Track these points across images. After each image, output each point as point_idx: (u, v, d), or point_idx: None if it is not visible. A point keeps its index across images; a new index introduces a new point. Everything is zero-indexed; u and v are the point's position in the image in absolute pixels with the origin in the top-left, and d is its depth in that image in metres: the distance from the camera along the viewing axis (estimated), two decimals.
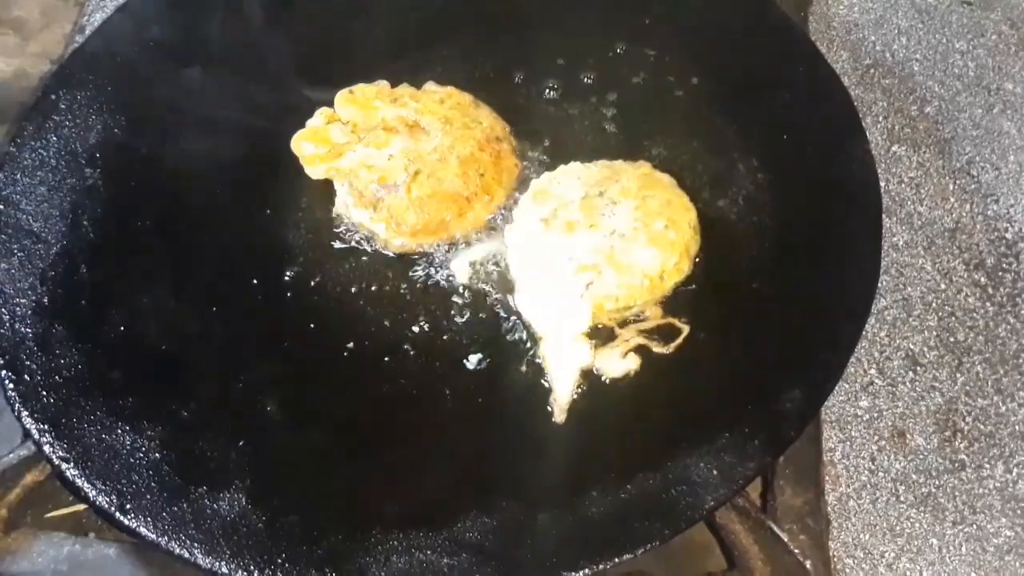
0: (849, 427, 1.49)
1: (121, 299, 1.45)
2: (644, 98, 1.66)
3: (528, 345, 1.42)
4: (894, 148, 1.75)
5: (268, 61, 1.67)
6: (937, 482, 1.45)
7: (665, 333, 1.41)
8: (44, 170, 1.53)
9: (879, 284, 1.42)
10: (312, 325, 1.46)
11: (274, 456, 1.34)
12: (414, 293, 1.48)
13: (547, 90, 1.66)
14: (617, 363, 1.39)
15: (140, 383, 1.39)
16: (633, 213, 1.44)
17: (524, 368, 1.41)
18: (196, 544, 1.24)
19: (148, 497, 1.27)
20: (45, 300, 1.43)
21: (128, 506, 1.26)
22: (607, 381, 1.39)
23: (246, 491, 1.29)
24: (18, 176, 1.52)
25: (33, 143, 1.55)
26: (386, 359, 1.42)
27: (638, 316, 1.43)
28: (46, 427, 1.31)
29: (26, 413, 1.32)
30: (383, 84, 1.61)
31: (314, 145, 1.55)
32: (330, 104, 1.59)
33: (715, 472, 1.26)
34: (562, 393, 1.37)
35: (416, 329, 1.44)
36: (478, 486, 1.30)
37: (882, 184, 1.51)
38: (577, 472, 1.30)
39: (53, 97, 1.60)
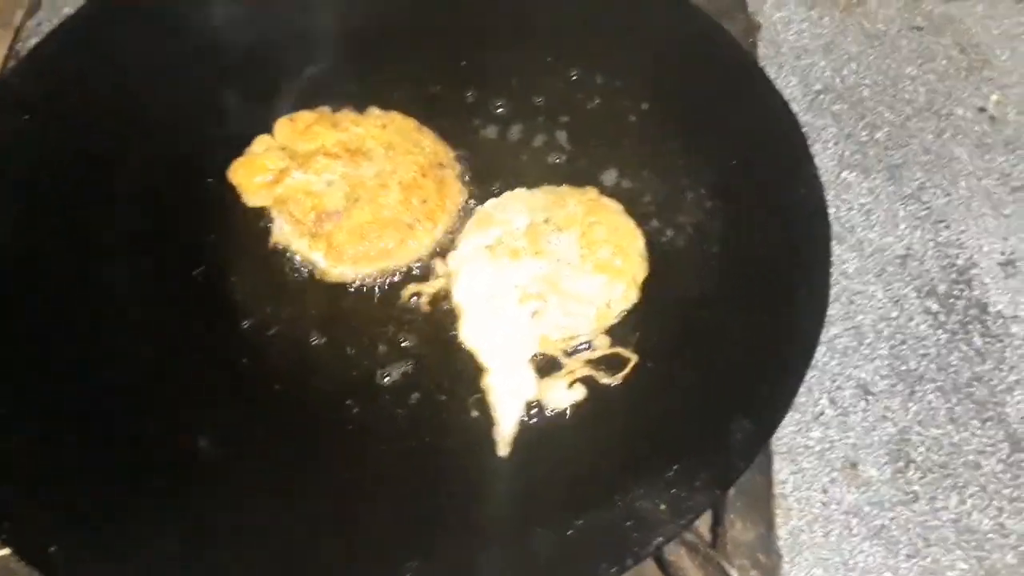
0: (800, 458, 1.46)
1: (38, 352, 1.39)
2: (595, 122, 1.63)
3: (473, 376, 1.38)
4: (844, 174, 1.74)
5: (204, 87, 1.61)
6: (890, 514, 1.43)
7: (612, 363, 1.38)
8: None
9: (829, 312, 1.39)
10: (245, 360, 1.41)
11: (206, 498, 1.29)
12: (354, 324, 1.43)
13: (497, 109, 1.63)
14: (563, 394, 1.35)
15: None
16: (579, 240, 1.42)
17: (469, 401, 1.37)
18: None
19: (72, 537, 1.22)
20: None
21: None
22: (552, 413, 1.35)
23: (178, 535, 1.24)
24: None
25: None
26: (325, 393, 1.38)
27: (585, 345, 1.39)
28: None
29: None
30: (324, 110, 1.57)
31: (253, 172, 1.51)
32: (269, 132, 1.56)
33: (663, 507, 1.23)
34: (506, 425, 1.33)
35: (355, 362, 1.40)
36: (419, 525, 1.26)
37: (832, 210, 1.49)
38: (521, 509, 1.27)
39: None
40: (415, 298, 1.44)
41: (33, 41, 1.88)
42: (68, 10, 1.82)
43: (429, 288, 1.44)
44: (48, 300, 1.43)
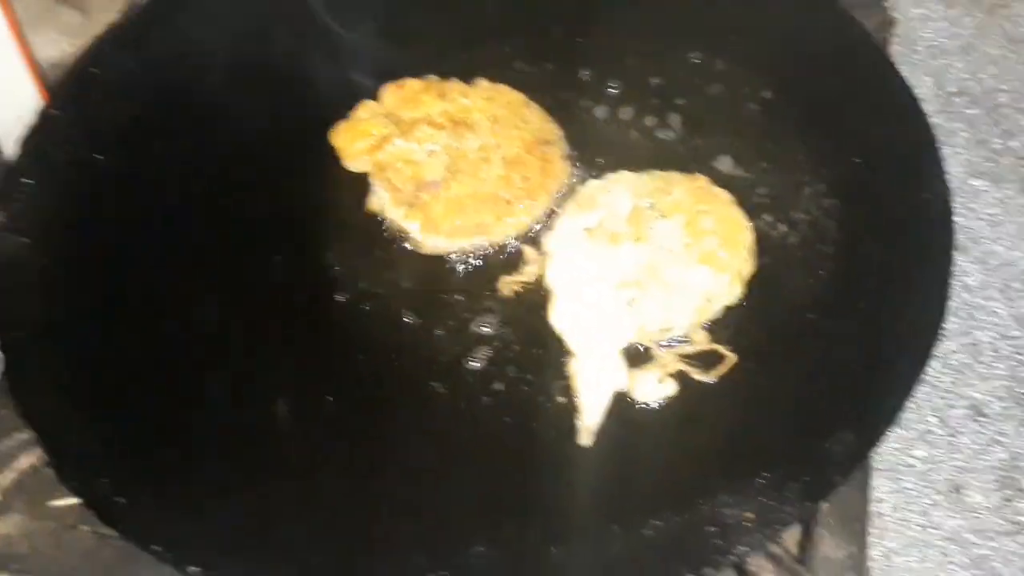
0: (902, 477, 1.40)
1: (137, 302, 1.39)
2: (711, 108, 1.57)
3: (561, 361, 1.33)
4: (973, 181, 1.65)
5: (313, 49, 1.59)
6: (993, 544, 1.36)
7: (708, 360, 1.32)
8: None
9: (946, 326, 1.30)
10: (335, 333, 1.39)
11: (277, 465, 1.27)
12: (445, 299, 1.40)
13: (609, 89, 1.58)
14: (653, 388, 1.30)
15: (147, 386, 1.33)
16: (684, 228, 1.36)
17: (554, 386, 1.32)
18: (187, 551, 1.16)
19: (141, 499, 1.21)
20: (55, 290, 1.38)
21: (118, 507, 1.20)
22: (640, 406, 1.30)
23: (244, 500, 1.22)
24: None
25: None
26: (409, 369, 1.35)
27: (681, 339, 1.34)
28: (41, 418, 1.26)
29: (23, 403, 1.27)
30: (432, 78, 1.54)
31: (356, 137, 1.49)
32: (376, 99, 1.54)
33: (749, 515, 1.16)
34: (591, 415, 1.28)
35: (441, 337, 1.37)
36: (490, 511, 1.21)
37: (957, 219, 1.40)
38: (599, 504, 1.22)
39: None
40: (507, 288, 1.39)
41: None
42: None
43: (521, 278, 1.40)
44: (140, 257, 1.43)
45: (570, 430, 1.28)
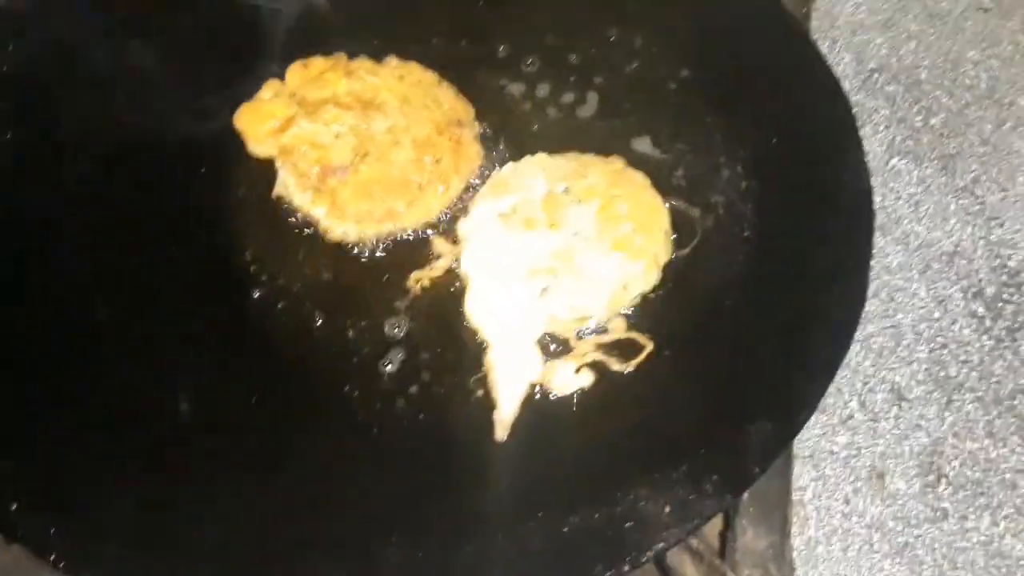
0: (823, 464, 1.37)
1: (35, 298, 1.33)
2: (630, 86, 1.52)
3: (477, 353, 1.29)
4: (894, 161, 1.63)
5: (216, 27, 1.52)
6: (916, 531, 1.34)
7: (626, 349, 1.29)
8: None
9: (866, 308, 1.29)
10: (236, 323, 1.33)
11: (179, 461, 1.21)
12: (352, 291, 1.35)
13: (527, 66, 1.53)
14: (569, 379, 1.26)
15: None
16: (599, 214, 1.33)
17: (471, 380, 1.28)
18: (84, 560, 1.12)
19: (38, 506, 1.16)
20: None
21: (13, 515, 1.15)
22: (557, 398, 1.26)
23: (145, 504, 1.17)
24: None
25: None
26: (314, 363, 1.30)
27: (598, 328, 1.30)
28: None
29: None
30: (340, 56, 1.48)
31: (260, 120, 1.42)
32: (281, 77, 1.47)
33: (668, 508, 1.14)
34: (506, 408, 1.24)
35: (350, 333, 1.32)
36: (402, 509, 1.17)
37: (877, 199, 1.41)
38: (515, 499, 1.18)
39: None
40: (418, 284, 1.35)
41: None
42: None
43: (432, 274, 1.35)
44: (41, 253, 1.36)
45: (487, 426, 1.24)
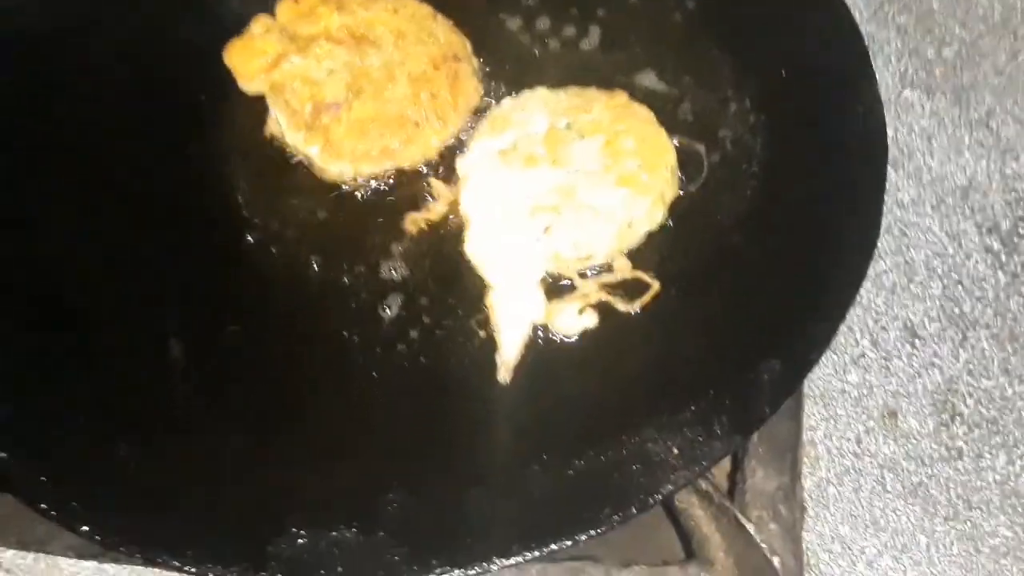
0: (834, 404, 1.34)
1: (21, 243, 1.30)
2: (634, 19, 1.48)
3: (479, 294, 1.27)
4: (906, 93, 1.58)
5: None
6: (930, 471, 1.31)
7: (631, 289, 1.26)
8: None
9: (879, 244, 1.27)
10: (234, 267, 1.31)
11: (173, 409, 1.20)
12: (348, 233, 1.32)
13: None
14: (573, 320, 1.24)
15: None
16: (603, 149, 1.29)
17: (472, 321, 1.25)
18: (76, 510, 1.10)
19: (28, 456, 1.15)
20: None
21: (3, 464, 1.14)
22: (561, 340, 1.23)
23: (140, 453, 1.15)
24: None
25: None
26: (311, 309, 1.28)
27: (602, 268, 1.27)
28: None
29: None
30: None
31: (250, 56, 1.38)
32: (271, 12, 1.42)
33: (676, 451, 1.12)
34: (509, 349, 1.22)
35: (347, 278, 1.29)
36: (405, 457, 1.15)
37: (890, 133, 1.35)
38: (518, 443, 1.16)
39: None
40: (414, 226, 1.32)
41: None
42: None
43: (428, 215, 1.32)
44: (35, 194, 1.34)
45: (489, 369, 1.22)
